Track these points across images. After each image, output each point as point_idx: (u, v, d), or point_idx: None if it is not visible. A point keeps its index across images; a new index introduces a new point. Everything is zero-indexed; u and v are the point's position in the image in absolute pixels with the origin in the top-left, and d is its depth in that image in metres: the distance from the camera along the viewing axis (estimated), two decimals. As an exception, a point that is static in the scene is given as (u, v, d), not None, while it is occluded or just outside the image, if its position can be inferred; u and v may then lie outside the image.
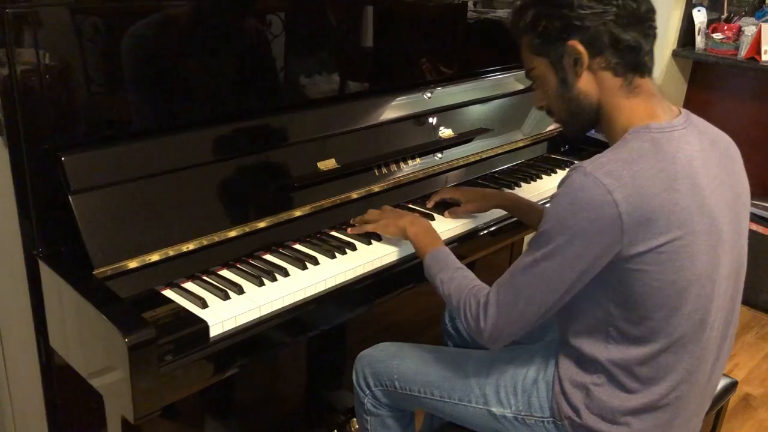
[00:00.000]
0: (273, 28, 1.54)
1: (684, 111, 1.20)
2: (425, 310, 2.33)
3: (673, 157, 1.10)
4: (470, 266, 2.31)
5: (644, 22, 1.14)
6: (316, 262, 1.40)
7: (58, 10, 1.18)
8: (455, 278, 1.29)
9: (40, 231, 1.23)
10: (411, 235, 1.43)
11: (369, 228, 1.50)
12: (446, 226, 1.61)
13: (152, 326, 1.07)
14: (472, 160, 1.92)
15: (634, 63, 1.15)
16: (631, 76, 1.16)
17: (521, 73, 2.14)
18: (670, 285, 1.10)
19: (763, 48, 2.87)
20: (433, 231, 1.45)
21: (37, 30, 1.15)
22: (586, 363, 1.22)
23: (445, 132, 1.84)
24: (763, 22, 2.90)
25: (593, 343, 1.20)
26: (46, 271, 1.22)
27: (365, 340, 2.14)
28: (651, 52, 1.17)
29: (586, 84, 1.17)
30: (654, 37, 1.16)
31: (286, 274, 1.35)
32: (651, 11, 1.16)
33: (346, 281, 1.39)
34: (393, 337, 2.31)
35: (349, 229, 1.53)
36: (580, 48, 1.14)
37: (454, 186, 1.76)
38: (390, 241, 1.51)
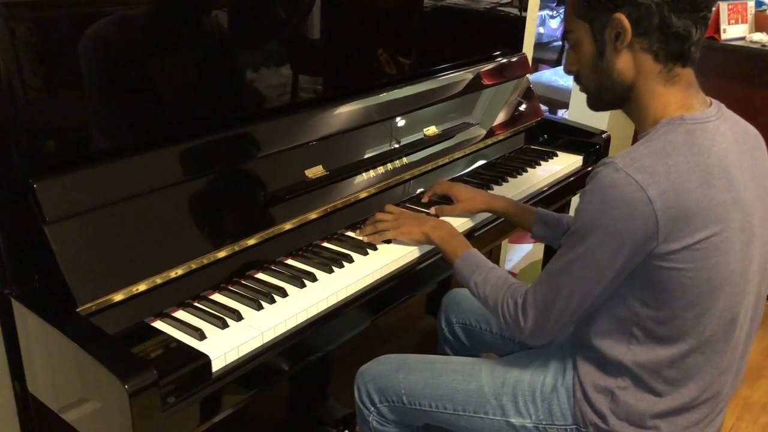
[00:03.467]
0: (250, 34, 1.44)
1: (715, 102, 1.15)
2: (402, 309, 2.26)
3: (709, 150, 1.06)
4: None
5: (701, 10, 1.06)
6: (314, 278, 1.31)
7: (22, 23, 1.05)
8: (489, 279, 1.26)
9: (12, 268, 1.10)
10: (437, 239, 1.40)
11: (388, 235, 1.44)
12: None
13: (152, 367, 0.97)
14: (457, 156, 1.85)
15: (678, 52, 1.08)
16: (672, 64, 1.09)
17: (492, 65, 2.15)
18: (704, 283, 1.06)
19: (722, 27, 2.90)
20: (458, 234, 1.42)
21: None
22: (609, 366, 1.17)
23: (429, 129, 1.77)
24: (720, 0, 2.92)
25: (615, 345, 1.15)
26: (22, 312, 1.10)
27: (345, 345, 2.07)
28: (699, 42, 1.09)
29: (623, 62, 1.11)
30: (706, 26, 1.09)
31: (284, 294, 1.26)
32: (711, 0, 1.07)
33: (348, 296, 1.31)
34: (372, 340, 2.26)
35: (365, 237, 1.45)
36: (626, 23, 1.06)
37: (449, 181, 1.70)
38: (388, 249, 1.44)
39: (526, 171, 1.91)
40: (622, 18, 1.07)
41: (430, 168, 1.77)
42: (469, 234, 1.59)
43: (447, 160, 1.82)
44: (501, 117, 2.05)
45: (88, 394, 1.04)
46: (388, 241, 1.46)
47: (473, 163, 1.92)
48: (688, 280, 1.06)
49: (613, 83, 1.13)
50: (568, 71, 1.21)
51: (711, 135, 1.07)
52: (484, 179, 1.83)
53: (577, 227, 1.08)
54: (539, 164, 1.96)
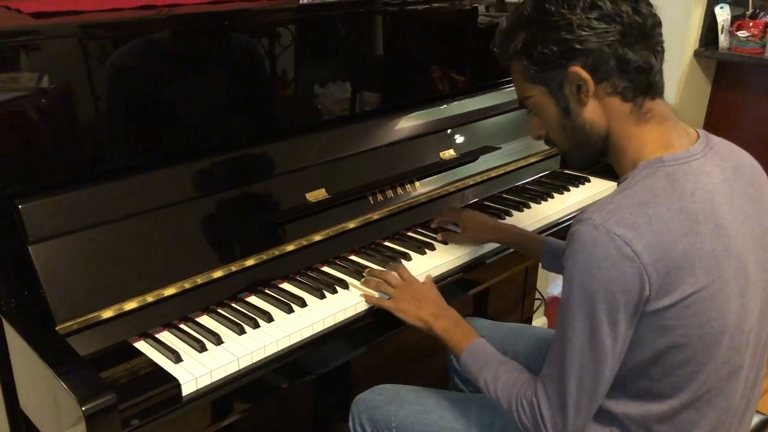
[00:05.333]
0: (253, 53, 1.45)
1: (702, 134, 1.07)
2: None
3: (692, 195, 0.97)
4: (483, 293, 2.24)
5: (652, 38, 1.00)
6: (303, 303, 1.30)
7: (9, 43, 1.10)
8: (500, 378, 1.13)
9: (1, 284, 1.14)
10: (438, 330, 1.25)
11: (385, 305, 1.31)
12: (446, 258, 1.50)
13: (112, 391, 0.98)
14: (479, 180, 1.80)
15: (645, 85, 1.01)
16: (641, 100, 1.02)
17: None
18: (697, 340, 0.98)
19: (791, 45, 2.71)
20: (462, 322, 1.27)
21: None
22: (599, 413, 1.10)
23: (446, 152, 1.73)
24: (790, 17, 2.74)
25: (609, 396, 1.08)
26: (8, 328, 1.14)
27: (373, 366, 2.04)
28: (661, 71, 1.03)
29: (592, 112, 1.04)
30: (662, 53, 1.03)
31: (270, 319, 1.25)
32: (658, 25, 1.02)
33: (336, 324, 1.28)
34: (401, 363, 2.22)
35: (362, 293, 1.34)
36: (584, 74, 1.00)
37: (458, 209, 1.65)
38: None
39: (552, 197, 1.83)
40: (578, 70, 1.00)
41: (450, 191, 1.73)
42: (479, 262, 1.54)
43: (470, 183, 1.78)
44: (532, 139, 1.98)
45: (58, 415, 1.06)
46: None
47: (499, 187, 1.87)
48: (679, 338, 0.98)
49: (587, 136, 1.06)
50: (536, 137, 1.15)
51: (694, 176, 0.99)
52: (506, 205, 1.77)
53: (566, 299, 0.99)
54: (567, 190, 1.88)
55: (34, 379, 1.11)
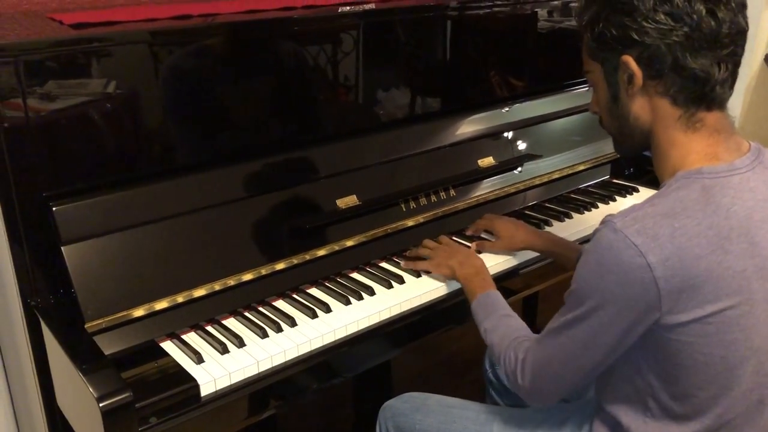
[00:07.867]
0: (299, 59, 1.47)
1: (755, 147, 1.00)
2: (480, 345, 2.20)
3: (728, 210, 0.92)
4: (531, 305, 2.19)
5: (723, 47, 0.93)
6: (328, 309, 1.30)
7: (45, 53, 1.15)
8: (499, 328, 1.19)
9: (38, 281, 1.20)
10: (460, 277, 1.35)
11: (422, 266, 1.43)
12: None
13: (130, 389, 1.01)
14: (521, 188, 1.77)
15: (699, 95, 0.95)
16: (693, 108, 0.97)
17: (579, 90, 2.04)
18: (720, 360, 0.93)
19: None
20: (484, 272, 1.35)
21: (22, 78, 1.11)
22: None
23: (485, 160, 1.71)
24: None
25: (630, 414, 1.04)
26: (44, 325, 1.19)
27: (416, 374, 2.03)
28: (726, 82, 0.95)
29: (638, 107, 1.00)
30: (736, 65, 0.96)
31: (293, 323, 1.26)
32: (737, 34, 0.94)
33: (358, 330, 1.28)
34: (446, 372, 2.20)
35: (402, 263, 1.46)
36: (634, 66, 0.96)
37: (493, 216, 1.62)
38: (414, 283, 1.40)
39: (597, 207, 1.78)
40: (629, 61, 0.96)
41: (490, 199, 1.70)
42: (512, 273, 1.51)
43: (512, 191, 1.75)
44: (582, 146, 1.93)
45: (84, 410, 1.10)
46: (418, 274, 1.43)
47: (541, 196, 1.83)
48: (700, 356, 0.93)
49: (631, 129, 1.03)
50: (593, 113, 1.12)
51: (734, 191, 0.93)
52: (547, 215, 1.72)
53: (574, 289, 0.99)
54: (614, 200, 1.82)
55: (64, 375, 1.15)
